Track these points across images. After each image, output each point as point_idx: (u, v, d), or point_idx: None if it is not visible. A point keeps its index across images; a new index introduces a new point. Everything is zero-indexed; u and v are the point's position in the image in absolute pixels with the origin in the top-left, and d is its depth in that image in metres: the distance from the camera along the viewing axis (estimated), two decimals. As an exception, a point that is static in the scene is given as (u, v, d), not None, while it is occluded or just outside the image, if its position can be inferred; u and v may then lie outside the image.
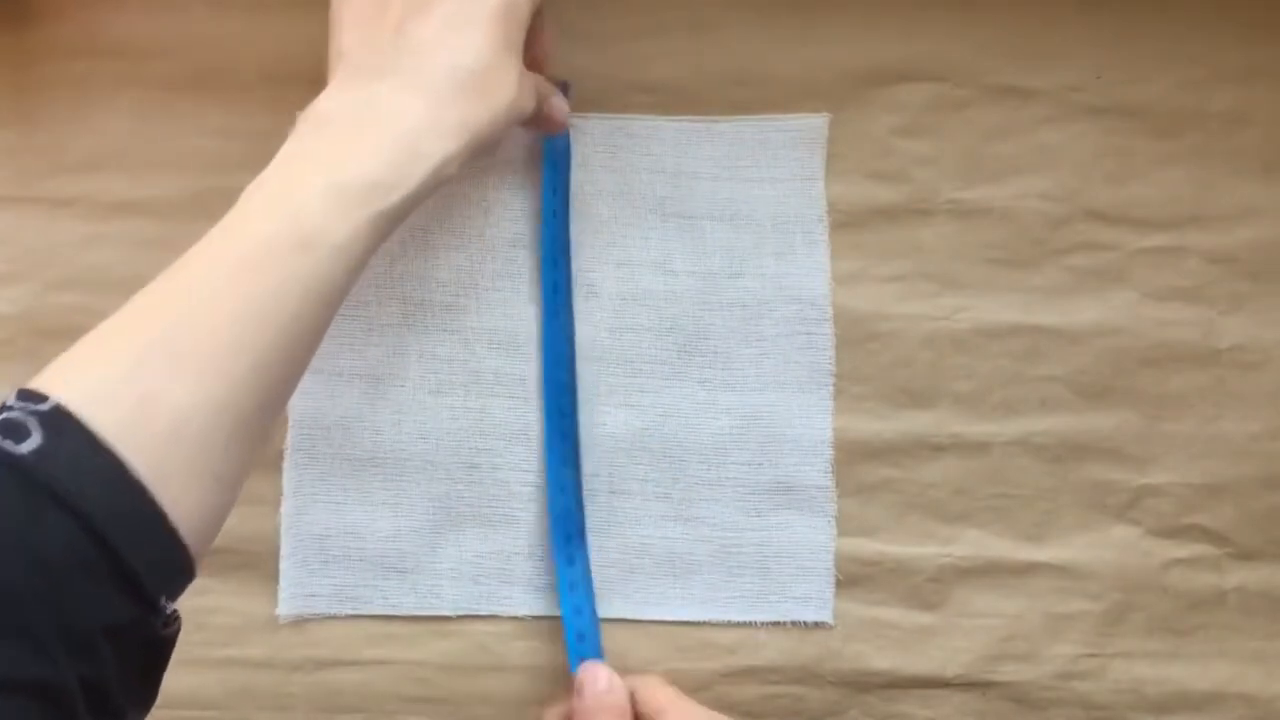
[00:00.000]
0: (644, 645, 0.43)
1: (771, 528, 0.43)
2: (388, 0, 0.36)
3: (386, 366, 0.44)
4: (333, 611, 0.43)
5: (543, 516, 0.43)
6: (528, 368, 0.44)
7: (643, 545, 0.43)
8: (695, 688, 0.42)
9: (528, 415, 0.43)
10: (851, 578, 0.43)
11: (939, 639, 0.43)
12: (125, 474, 0.27)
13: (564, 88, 0.42)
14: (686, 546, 0.43)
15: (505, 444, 0.43)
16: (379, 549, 0.43)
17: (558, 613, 0.42)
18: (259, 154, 0.34)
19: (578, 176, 0.44)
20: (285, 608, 0.43)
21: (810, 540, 0.43)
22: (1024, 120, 0.44)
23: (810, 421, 0.43)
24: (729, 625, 0.43)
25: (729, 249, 0.44)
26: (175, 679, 0.43)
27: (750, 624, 0.43)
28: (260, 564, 0.43)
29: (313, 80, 0.37)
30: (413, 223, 0.44)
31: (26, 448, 0.26)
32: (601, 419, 0.43)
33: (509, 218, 0.44)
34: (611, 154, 0.44)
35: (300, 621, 0.43)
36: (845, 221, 0.44)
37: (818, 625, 0.43)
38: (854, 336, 0.44)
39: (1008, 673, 0.43)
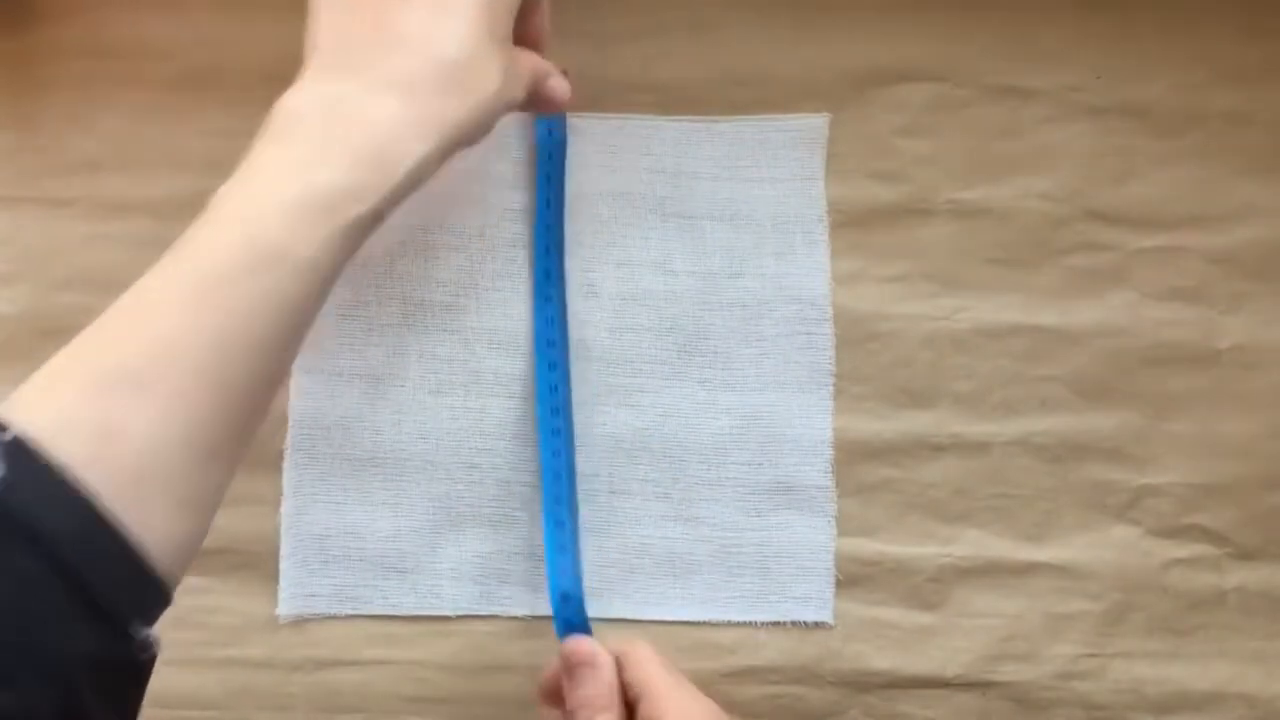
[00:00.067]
0: (644, 645, 0.43)
1: (771, 528, 0.43)
2: None
3: (386, 366, 0.44)
4: (333, 611, 0.43)
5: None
6: (528, 367, 0.44)
7: (643, 545, 0.43)
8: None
9: (528, 415, 0.43)
10: (851, 578, 0.43)
11: (939, 639, 0.43)
12: (90, 504, 0.27)
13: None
14: (686, 546, 0.43)
15: (505, 444, 0.43)
16: (379, 549, 0.43)
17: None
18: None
19: (578, 176, 0.44)
20: (285, 608, 0.43)
21: (810, 540, 0.43)
22: (1024, 120, 0.44)
23: (810, 421, 0.43)
24: (729, 625, 0.43)
25: (729, 249, 0.44)
26: (175, 679, 0.43)
27: (750, 624, 0.43)
28: (260, 564, 0.43)
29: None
30: (413, 223, 0.44)
31: None
32: (601, 419, 0.43)
33: (509, 218, 0.44)
34: (611, 154, 0.44)
35: (300, 621, 0.43)
36: (845, 221, 0.44)
37: (818, 625, 0.43)
38: (854, 336, 0.44)
39: (1008, 673, 0.43)
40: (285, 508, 0.43)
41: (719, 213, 0.44)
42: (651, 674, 0.37)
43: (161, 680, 0.43)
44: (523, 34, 0.37)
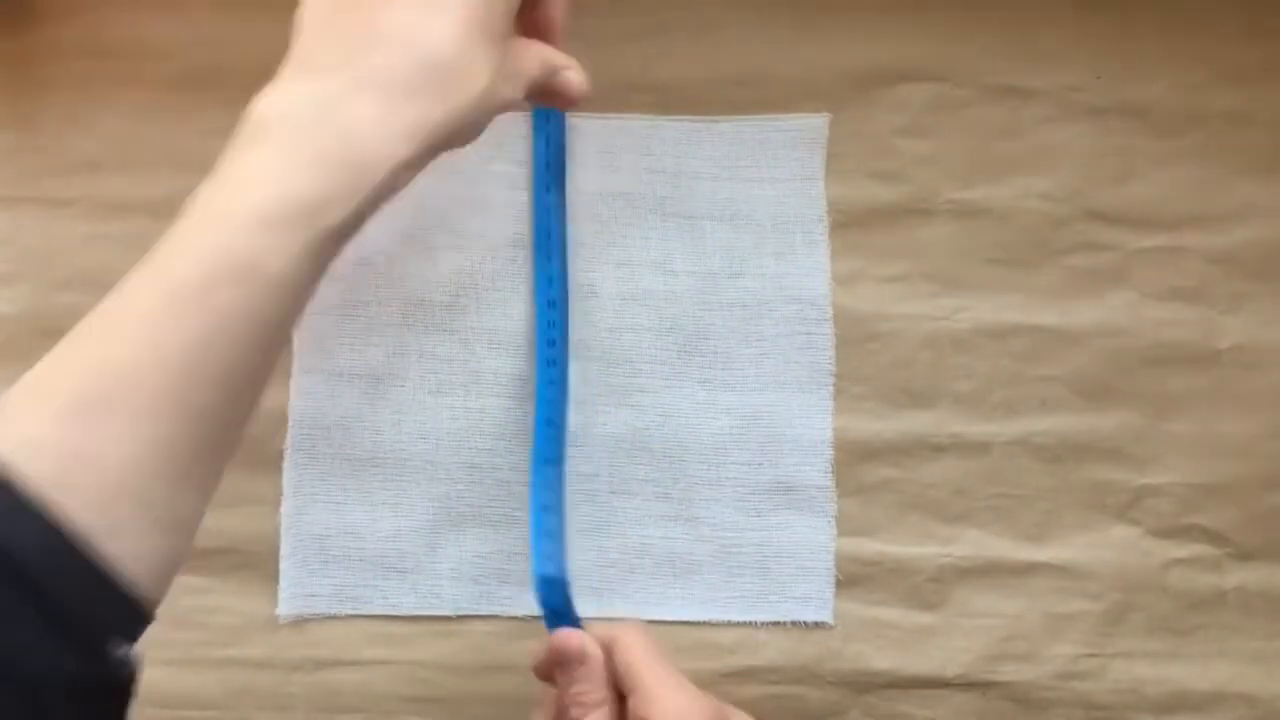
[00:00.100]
0: (644, 645, 0.43)
1: (771, 528, 0.43)
2: None
3: (386, 366, 0.44)
4: (333, 611, 0.43)
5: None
6: (528, 367, 0.44)
7: (643, 545, 0.43)
8: (695, 688, 0.42)
9: (528, 415, 0.43)
10: (851, 578, 0.43)
11: (939, 639, 0.43)
12: (58, 524, 0.26)
13: None
14: (686, 546, 0.43)
15: (505, 444, 0.43)
16: (379, 549, 0.43)
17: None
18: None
19: (578, 176, 0.44)
20: (285, 608, 0.43)
21: (810, 540, 0.43)
22: (1024, 120, 0.44)
23: (810, 421, 0.43)
24: (729, 625, 0.43)
25: (729, 249, 0.44)
26: (175, 679, 0.43)
27: (750, 624, 0.43)
28: (260, 564, 0.43)
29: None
30: (413, 222, 0.44)
31: None
32: (601, 419, 0.43)
33: (509, 218, 0.44)
34: (611, 154, 0.44)
35: (300, 621, 0.43)
36: (845, 221, 0.44)
37: (818, 625, 0.43)
38: (854, 336, 0.44)
39: (1008, 673, 0.43)
40: (285, 508, 0.43)
41: (719, 213, 0.44)
42: (641, 668, 0.35)
43: (161, 680, 0.43)
44: (531, 23, 0.35)
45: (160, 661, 0.43)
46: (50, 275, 0.44)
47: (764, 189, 0.44)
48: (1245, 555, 0.43)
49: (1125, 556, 0.43)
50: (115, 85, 0.44)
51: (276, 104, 0.31)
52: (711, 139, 0.44)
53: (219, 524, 0.43)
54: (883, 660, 0.43)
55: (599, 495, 0.43)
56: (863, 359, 0.44)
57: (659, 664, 0.36)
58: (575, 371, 0.43)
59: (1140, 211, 0.44)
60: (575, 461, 0.43)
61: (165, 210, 0.44)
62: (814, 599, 0.43)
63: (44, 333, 0.43)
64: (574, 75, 0.36)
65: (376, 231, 0.44)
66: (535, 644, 0.39)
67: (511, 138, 0.44)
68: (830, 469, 0.43)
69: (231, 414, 0.30)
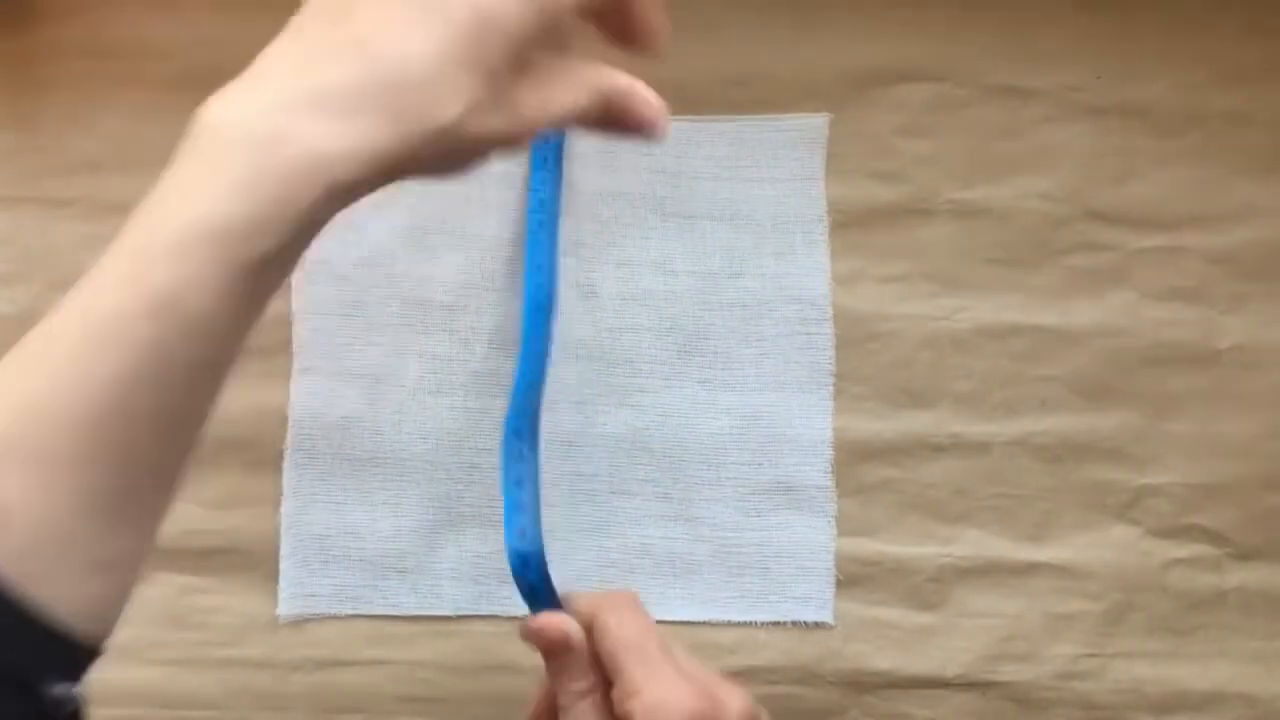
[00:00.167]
0: (644, 645, 0.43)
1: (771, 528, 0.43)
2: None
3: (386, 366, 0.44)
4: (333, 611, 0.43)
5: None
6: (528, 368, 0.44)
7: (643, 545, 0.43)
8: (695, 688, 0.42)
9: (528, 415, 0.43)
10: (851, 578, 0.43)
11: (939, 639, 0.43)
12: None
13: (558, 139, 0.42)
14: (687, 546, 0.43)
15: (505, 444, 0.43)
16: (379, 549, 0.43)
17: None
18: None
19: (578, 176, 0.44)
20: (285, 608, 0.43)
21: (810, 540, 0.43)
22: (1024, 120, 0.44)
23: (810, 421, 0.44)
24: (729, 625, 0.43)
25: (729, 249, 0.44)
26: (175, 679, 0.43)
27: (750, 624, 0.43)
28: (260, 564, 0.43)
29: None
30: (412, 222, 0.44)
31: None
32: (601, 419, 0.43)
33: (509, 218, 0.44)
34: (611, 154, 0.44)
35: (300, 621, 0.43)
36: (845, 221, 0.44)
37: (818, 625, 0.43)
38: (854, 336, 0.44)
39: (1008, 673, 0.43)
40: (285, 508, 0.43)
41: (719, 213, 0.44)
42: (622, 656, 0.32)
43: (161, 680, 0.43)
44: (617, 29, 0.32)
45: (160, 661, 0.43)
46: (50, 275, 0.44)
47: (764, 189, 0.44)
48: (1245, 555, 0.43)
49: (1125, 556, 0.43)
50: (115, 85, 0.44)
51: (213, 113, 0.28)
52: (711, 139, 0.44)
53: (219, 524, 0.43)
54: (883, 660, 0.43)
55: (599, 495, 0.43)
56: (863, 359, 0.44)
57: (641, 649, 0.32)
58: (575, 371, 0.44)
59: (1140, 211, 0.44)
60: (575, 461, 0.43)
61: (165, 210, 0.44)
62: (814, 599, 0.43)
63: (44, 333, 0.43)
64: (639, 100, 0.31)
65: (377, 231, 0.44)
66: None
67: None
68: (830, 469, 0.43)
69: (161, 455, 0.28)
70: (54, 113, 0.44)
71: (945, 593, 0.43)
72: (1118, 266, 0.44)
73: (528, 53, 0.29)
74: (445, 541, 0.43)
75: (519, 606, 0.43)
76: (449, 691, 0.43)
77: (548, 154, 0.44)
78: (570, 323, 0.44)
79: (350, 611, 0.43)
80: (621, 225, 0.44)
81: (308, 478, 0.43)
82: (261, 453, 0.43)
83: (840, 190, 0.44)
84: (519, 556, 0.35)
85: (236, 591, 0.43)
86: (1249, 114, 0.44)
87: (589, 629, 0.33)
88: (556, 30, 0.29)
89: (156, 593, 0.43)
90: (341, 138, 0.27)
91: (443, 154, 0.29)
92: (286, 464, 0.43)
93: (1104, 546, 0.43)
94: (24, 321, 0.43)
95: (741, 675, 0.43)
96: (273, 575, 0.43)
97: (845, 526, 0.43)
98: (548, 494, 0.43)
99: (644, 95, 0.32)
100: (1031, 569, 0.43)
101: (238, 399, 0.43)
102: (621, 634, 0.32)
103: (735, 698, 0.32)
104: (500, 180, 0.44)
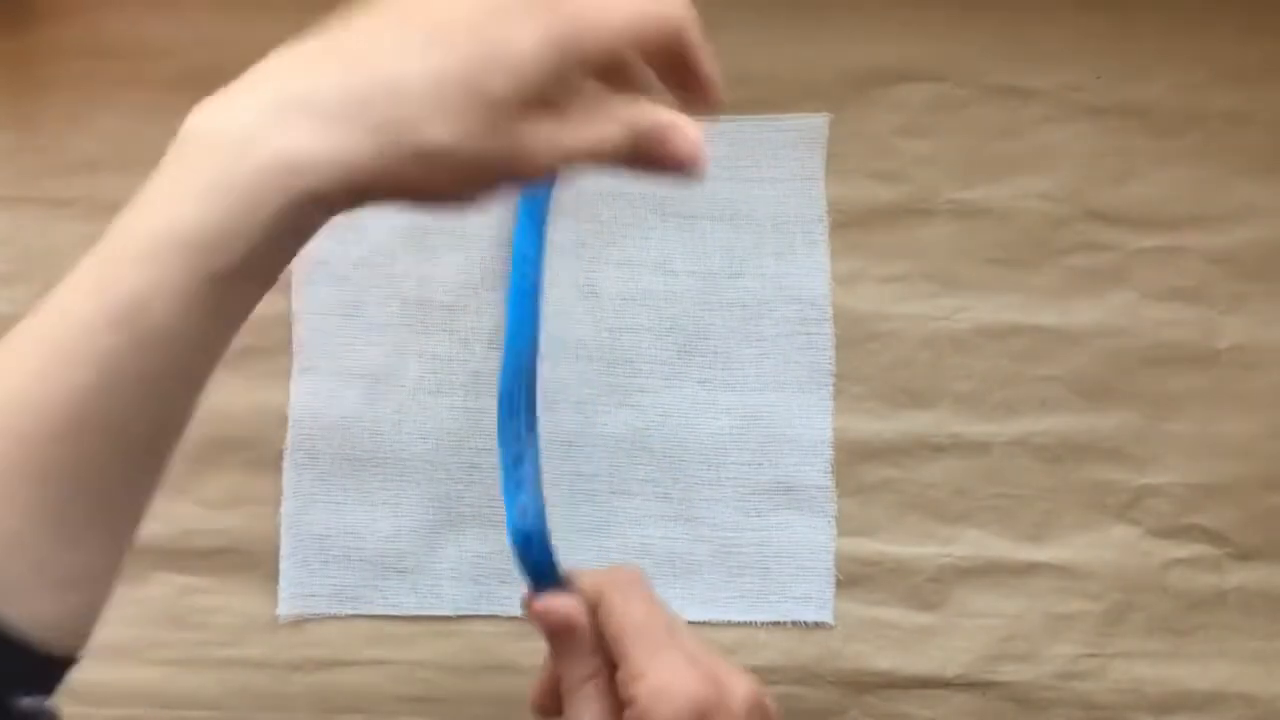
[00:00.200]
0: (644, 645, 0.43)
1: (771, 528, 0.43)
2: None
3: (386, 366, 0.44)
4: (333, 611, 0.43)
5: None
6: (528, 368, 0.44)
7: (643, 545, 0.43)
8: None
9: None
10: (851, 578, 0.43)
11: (939, 639, 0.43)
12: None
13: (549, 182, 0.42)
14: (687, 546, 0.43)
15: (505, 444, 0.43)
16: (379, 549, 0.43)
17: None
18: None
19: (577, 176, 0.44)
20: (285, 608, 0.43)
21: (810, 540, 0.43)
22: (1024, 120, 0.44)
23: (810, 421, 0.44)
24: (729, 625, 0.43)
25: (729, 249, 0.44)
26: (175, 679, 0.43)
27: (750, 624, 0.43)
28: (260, 564, 0.43)
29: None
30: (413, 222, 0.44)
31: None
32: (601, 419, 0.43)
33: (509, 218, 0.44)
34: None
35: (300, 621, 0.43)
36: (845, 221, 0.44)
37: (818, 625, 0.43)
38: (854, 336, 0.44)
39: (1008, 673, 0.43)
40: (285, 508, 0.43)
41: (719, 213, 0.44)
42: (626, 639, 0.31)
43: (161, 680, 0.43)
44: (673, 77, 0.31)
45: (160, 661, 0.43)
46: (50, 275, 0.43)
47: (764, 189, 0.44)
48: (1245, 555, 0.43)
49: (1125, 556, 0.43)
50: (115, 85, 0.44)
51: (197, 118, 0.28)
52: (711, 139, 0.44)
53: (219, 524, 0.43)
54: (883, 660, 0.43)
55: (599, 495, 0.43)
56: (863, 359, 0.44)
57: (647, 631, 0.31)
58: (575, 371, 0.44)
59: (1140, 211, 0.44)
60: (575, 461, 0.43)
61: (165, 210, 0.44)
62: (814, 599, 0.43)
63: (44, 333, 0.43)
64: (677, 137, 0.29)
65: (376, 231, 0.44)
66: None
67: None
68: (830, 469, 0.43)
69: (125, 469, 0.27)
70: (54, 113, 0.44)
71: (945, 593, 0.43)
72: (1118, 266, 0.44)
73: (551, 90, 0.27)
74: (445, 541, 0.43)
75: (519, 606, 0.43)
76: (449, 691, 0.43)
77: (534, 206, 0.43)
78: (570, 323, 0.44)
79: (350, 611, 0.43)
80: (621, 225, 0.44)
81: (308, 478, 0.43)
82: (261, 453, 0.43)
83: (840, 190, 0.44)
84: (521, 535, 0.34)
85: (236, 591, 0.43)
86: (1249, 114, 0.44)
87: (594, 608, 0.32)
88: (586, 69, 0.28)
89: (156, 593, 0.43)
90: (314, 144, 0.26)
91: (428, 178, 0.27)
92: (286, 464, 0.43)
93: (1104, 546, 0.43)
94: (24, 321, 0.43)
95: (741, 675, 0.43)
96: (273, 575, 0.43)
97: (845, 526, 0.43)
98: (548, 494, 0.42)
99: (684, 132, 0.30)
100: (1031, 569, 0.43)
101: (238, 399, 0.43)
102: (627, 616, 0.31)
103: (741, 683, 0.31)
104: (500, 180, 0.44)
